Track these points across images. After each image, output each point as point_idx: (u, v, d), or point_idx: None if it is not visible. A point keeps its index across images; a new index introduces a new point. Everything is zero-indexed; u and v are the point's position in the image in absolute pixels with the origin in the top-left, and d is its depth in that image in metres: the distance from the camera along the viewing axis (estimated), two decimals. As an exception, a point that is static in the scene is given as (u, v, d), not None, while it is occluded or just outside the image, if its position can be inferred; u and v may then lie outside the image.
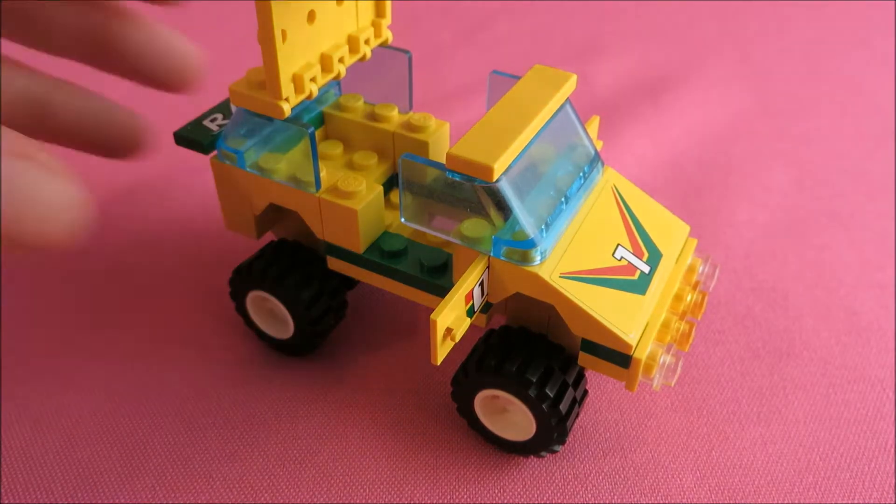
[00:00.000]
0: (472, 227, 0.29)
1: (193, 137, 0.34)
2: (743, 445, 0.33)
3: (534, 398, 0.29)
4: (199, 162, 0.45)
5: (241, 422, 0.34)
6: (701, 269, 0.33)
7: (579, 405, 0.31)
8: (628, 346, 0.28)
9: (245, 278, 0.35)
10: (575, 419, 0.31)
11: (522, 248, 0.28)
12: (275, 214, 0.36)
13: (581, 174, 0.32)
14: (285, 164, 0.32)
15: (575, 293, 0.28)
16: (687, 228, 0.33)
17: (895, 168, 0.50)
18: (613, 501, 0.31)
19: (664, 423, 0.34)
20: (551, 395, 0.29)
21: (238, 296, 0.36)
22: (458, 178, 0.28)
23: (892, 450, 0.33)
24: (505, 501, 0.31)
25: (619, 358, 0.29)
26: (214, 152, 0.34)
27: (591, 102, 0.56)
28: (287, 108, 0.29)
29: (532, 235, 0.28)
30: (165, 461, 0.33)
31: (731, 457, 0.33)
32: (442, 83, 0.57)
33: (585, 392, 0.32)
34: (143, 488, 0.32)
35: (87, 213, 0.25)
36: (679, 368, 0.29)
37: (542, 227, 0.29)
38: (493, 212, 0.28)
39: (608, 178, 0.33)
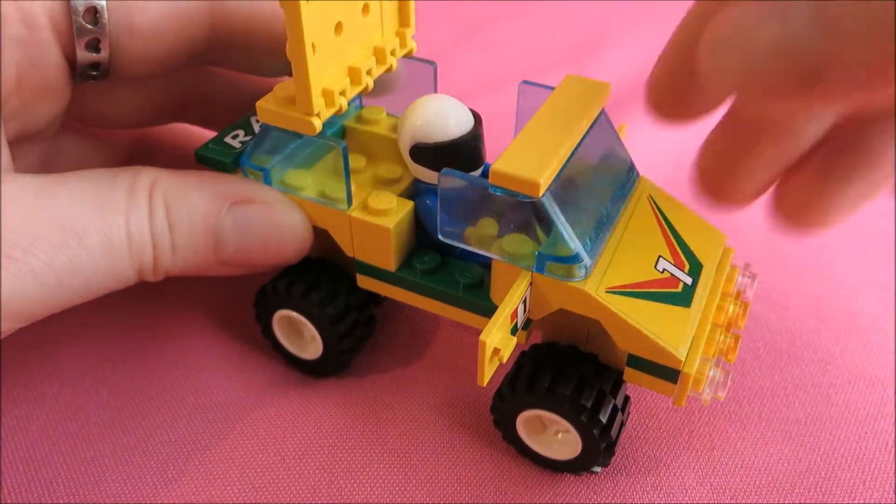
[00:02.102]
0: (514, 242, 0.28)
1: (215, 156, 0.33)
2: (743, 445, 0.33)
3: (585, 423, 0.29)
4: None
5: (241, 421, 0.34)
6: (740, 278, 0.32)
7: (622, 412, 0.30)
8: (678, 360, 0.27)
9: (271, 297, 0.34)
10: (621, 427, 0.30)
11: (567, 264, 0.28)
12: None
13: (619, 185, 0.31)
14: (313, 180, 0.31)
15: (621, 308, 0.28)
16: (724, 238, 0.33)
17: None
18: (614, 501, 0.31)
19: (665, 422, 0.34)
20: (588, 406, 0.29)
21: (264, 316, 0.35)
22: (500, 193, 0.27)
23: (892, 450, 0.33)
24: (505, 501, 0.31)
25: (668, 373, 0.28)
26: (238, 170, 0.33)
27: None
28: (318, 124, 0.28)
29: (576, 250, 0.27)
30: (166, 461, 0.33)
31: (732, 456, 0.33)
32: (442, 83, 0.57)
33: (627, 398, 0.31)
34: (144, 488, 0.32)
35: (309, 230, 0.32)
36: (729, 381, 0.29)
37: (586, 240, 0.28)
38: (537, 227, 0.28)
39: (644, 187, 0.33)
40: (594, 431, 0.29)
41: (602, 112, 0.31)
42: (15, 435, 0.34)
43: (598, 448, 0.29)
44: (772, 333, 0.38)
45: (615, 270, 0.29)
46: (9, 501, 0.31)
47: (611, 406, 0.29)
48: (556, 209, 0.27)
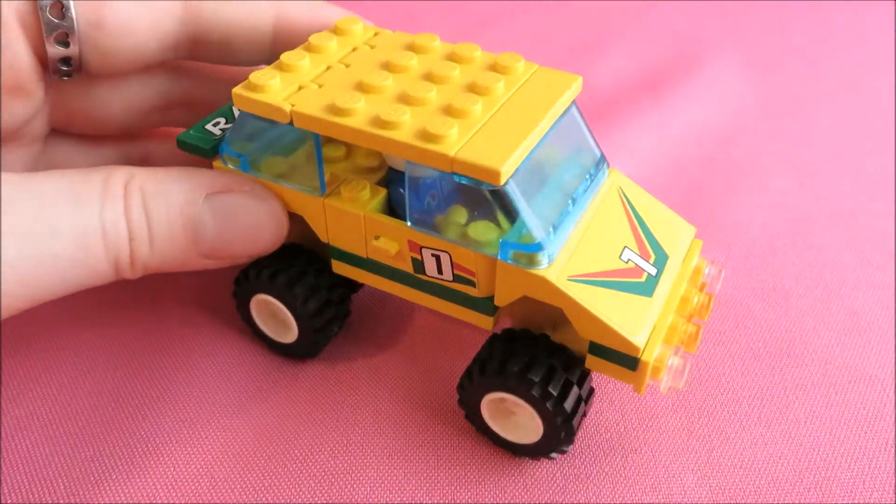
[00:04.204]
0: (479, 230, 0.29)
1: (196, 143, 0.34)
2: (743, 446, 0.33)
3: (537, 398, 0.29)
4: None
5: (241, 423, 0.34)
6: (707, 270, 0.33)
7: (585, 403, 0.31)
8: (636, 348, 0.28)
9: (248, 282, 0.35)
10: (582, 417, 0.31)
11: (530, 252, 0.28)
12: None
13: (587, 176, 0.32)
14: (289, 167, 0.32)
15: (582, 296, 0.28)
16: (693, 230, 0.33)
17: (895, 168, 0.50)
18: (614, 501, 0.31)
19: (665, 423, 0.34)
20: (555, 394, 0.29)
21: (242, 301, 0.36)
22: (464, 182, 0.27)
23: (892, 450, 0.33)
24: (505, 501, 0.31)
25: (627, 360, 0.29)
26: (218, 157, 0.34)
27: (591, 102, 0.56)
28: (290, 112, 0.29)
29: (539, 238, 0.28)
30: (167, 461, 0.33)
31: (732, 457, 0.33)
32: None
33: (592, 390, 0.32)
34: (144, 488, 0.32)
35: (286, 218, 0.33)
36: (687, 371, 0.29)
37: (550, 229, 0.29)
38: (499, 215, 0.28)
39: (614, 179, 0.33)
40: (547, 405, 0.29)
41: (572, 104, 0.32)
42: (15, 435, 0.34)
43: (557, 424, 0.30)
44: (772, 333, 0.38)
45: (579, 259, 0.29)
46: (9, 501, 0.31)
47: (563, 380, 0.30)
48: (520, 198, 0.28)
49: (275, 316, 0.36)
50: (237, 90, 0.30)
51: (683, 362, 0.29)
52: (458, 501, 0.31)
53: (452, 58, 0.32)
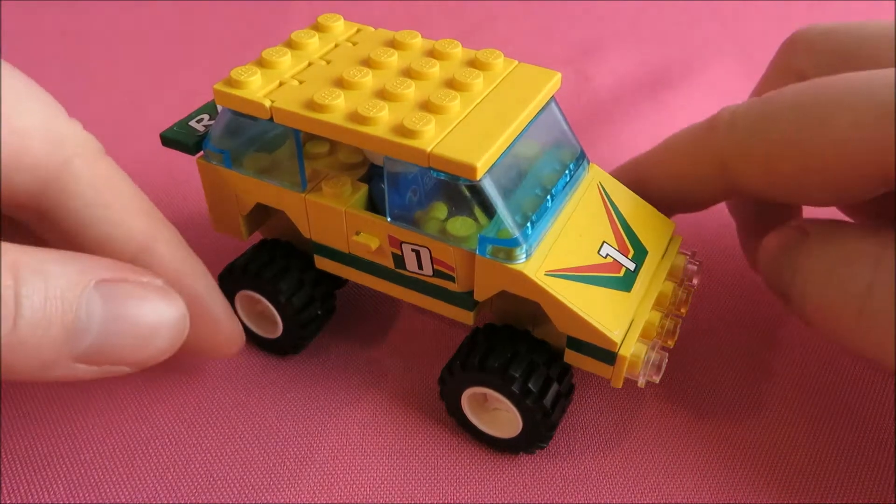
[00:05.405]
0: (457, 225, 0.29)
1: (179, 139, 0.34)
2: (743, 446, 0.33)
3: (518, 393, 0.29)
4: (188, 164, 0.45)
5: (241, 423, 0.34)
6: (686, 265, 0.33)
7: (566, 399, 0.31)
8: (613, 343, 0.28)
9: (233, 278, 0.35)
10: (562, 413, 0.31)
11: (507, 247, 0.28)
12: (262, 214, 0.36)
13: (567, 172, 0.32)
14: (271, 163, 0.32)
15: (560, 291, 0.28)
16: (672, 225, 0.33)
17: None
18: (613, 501, 0.31)
19: (665, 423, 0.34)
20: (535, 390, 0.29)
21: (227, 296, 0.36)
22: (442, 178, 0.28)
23: (892, 450, 0.33)
24: (505, 501, 0.31)
25: (604, 355, 0.29)
26: (201, 153, 0.34)
27: (591, 102, 0.56)
28: (269, 107, 0.29)
29: (516, 234, 0.28)
30: (166, 462, 0.33)
31: (732, 457, 0.33)
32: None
33: (572, 387, 0.32)
34: (144, 488, 0.32)
35: (186, 323, 0.28)
36: (664, 365, 0.29)
37: (527, 225, 0.29)
38: (477, 210, 0.29)
39: (594, 175, 0.33)
40: (527, 401, 0.29)
41: (552, 100, 0.32)
42: (15, 435, 0.34)
43: (537, 420, 0.30)
44: (772, 333, 0.39)
45: (557, 254, 0.29)
46: (9, 502, 0.31)
47: (544, 376, 0.30)
48: (497, 193, 0.28)
49: (262, 314, 0.36)
50: (218, 86, 0.30)
51: (661, 357, 0.29)
52: (458, 501, 0.31)
53: (433, 54, 0.32)
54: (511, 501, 0.31)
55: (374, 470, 0.32)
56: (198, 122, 0.35)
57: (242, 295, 0.36)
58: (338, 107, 0.29)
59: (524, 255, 0.29)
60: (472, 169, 0.26)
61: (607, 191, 0.33)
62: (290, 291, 0.34)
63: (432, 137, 0.27)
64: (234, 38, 0.66)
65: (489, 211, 0.28)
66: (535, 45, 0.65)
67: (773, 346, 0.38)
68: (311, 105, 0.29)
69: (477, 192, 0.28)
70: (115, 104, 0.56)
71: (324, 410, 0.35)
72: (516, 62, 0.32)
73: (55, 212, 0.29)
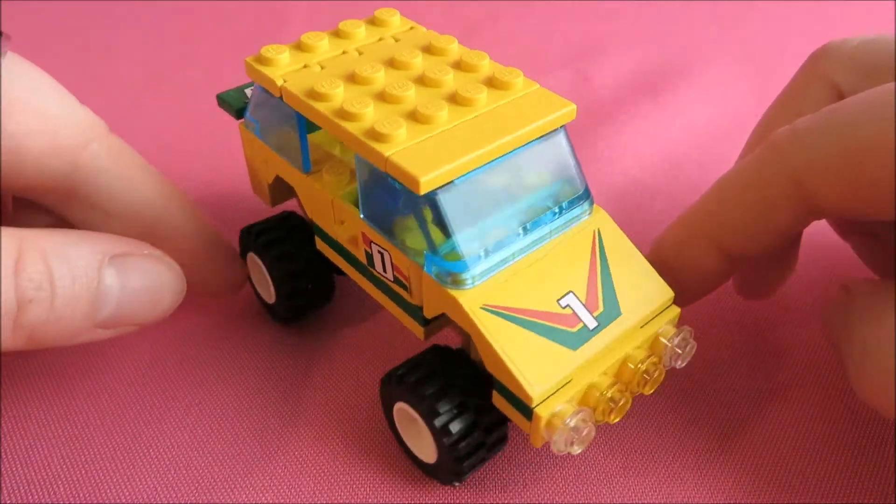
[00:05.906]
0: (413, 236, 0.29)
1: (230, 101, 0.36)
2: (743, 446, 0.33)
3: (438, 428, 0.28)
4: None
5: (241, 424, 0.35)
6: (670, 340, 0.29)
7: (486, 451, 0.29)
8: (529, 397, 0.26)
9: (246, 239, 0.37)
10: (479, 463, 0.29)
11: (453, 270, 0.27)
12: (287, 187, 0.37)
13: (557, 209, 0.30)
14: (287, 141, 0.34)
15: (490, 328, 0.27)
16: (670, 294, 0.30)
17: None
18: (613, 501, 0.31)
19: (665, 424, 0.34)
20: (453, 432, 0.28)
21: (242, 254, 0.39)
22: (397, 186, 0.27)
23: (892, 450, 0.33)
24: (505, 501, 0.31)
25: (523, 408, 0.27)
26: (242, 119, 0.36)
27: (591, 102, 0.55)
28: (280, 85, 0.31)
29: (465, 258, 0.27)
30: (167, 465, 0.33)
31: (732, 458, 0.32)
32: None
33: (504, 438, 0.30)
34: (144, 489, 0.32)
35: (185, 288, 0.32)
36: (589, 439, 0.27)
37: (481, 252, 0.28)
38: (432, 227, 0.28)
39: (596, 220, 0.31)
40: (444, 440, 0.28)
41: (562, 131, 0.30)
42: (15, 435, 0.34)
43: (447, 460, 0.29)
44: (771, 334, 0.38)
45: (505, 290, 0.28)
46: (9, 502, 0.31)
47: (470, 421, 0.28)
48: (452, 212, 0.27)
49: (264, 276, 0.38)
50: (249, 59, 0.32)
51: (586, 428, 0.26)
52: (457, 502, 0.31)
53: (459, 64, 0.31)
54: (511, 501, 0.31)
55: (374, 470, 0.32)
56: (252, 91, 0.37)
57: (251, 256, 0.38)
58: (333, 98, 0.29)
59: (469, 283, 0.27)
60: (417, 182, 0.26)
61: (604, 239, 0.30)
62: (285, 261, 0.36)
63: (397, 143, 0.27)
64: (234, 38, 0.66)
65: (445, 230, 0.27)
66: (535, 45, 0.65)
67: (773, 347, 0.37)
68: (311, 92, 0.30)
69: (435, 207, 0.27)
70: (116, 104, 0.56)
71: (324, 411, 0.35)
72: (537, 85, 0.30)
73: (83, 188, 0.33)
